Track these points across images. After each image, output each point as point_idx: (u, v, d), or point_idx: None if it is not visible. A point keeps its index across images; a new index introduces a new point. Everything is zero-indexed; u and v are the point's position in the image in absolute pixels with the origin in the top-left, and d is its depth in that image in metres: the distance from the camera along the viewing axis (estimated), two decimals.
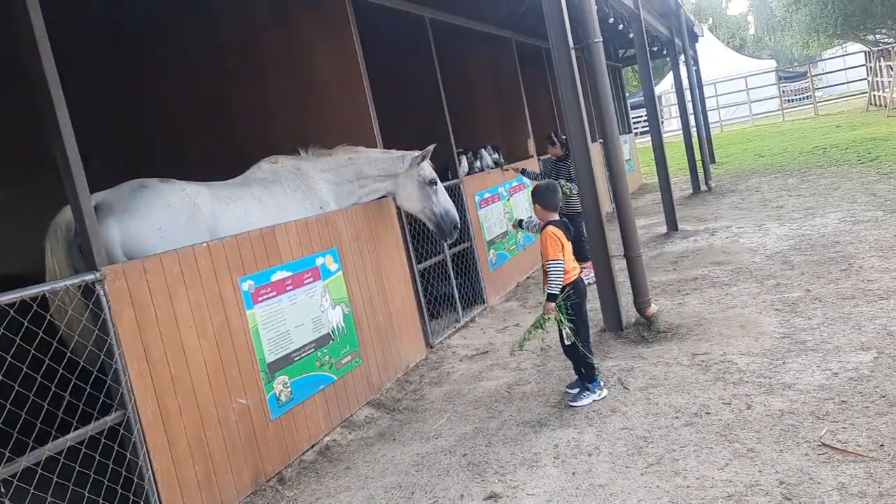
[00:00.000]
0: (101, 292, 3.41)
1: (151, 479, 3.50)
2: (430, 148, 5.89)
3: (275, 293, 4.59)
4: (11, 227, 7.83)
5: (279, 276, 4.65)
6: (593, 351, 4.87)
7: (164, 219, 4.24)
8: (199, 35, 7.05)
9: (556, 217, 4.80)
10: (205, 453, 3.88)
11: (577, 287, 4.69)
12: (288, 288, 4.71)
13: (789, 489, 3.20)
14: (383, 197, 6.00)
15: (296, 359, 4.67)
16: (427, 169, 5.86)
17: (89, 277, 3.38)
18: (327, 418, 4.88)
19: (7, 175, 8.08)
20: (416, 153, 5.83)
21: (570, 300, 4.61)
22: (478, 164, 8.92)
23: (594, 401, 4.61)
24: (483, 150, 9.33)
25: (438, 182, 5.91)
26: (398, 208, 6.22)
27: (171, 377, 3.74)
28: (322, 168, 5.58)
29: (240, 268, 4.34)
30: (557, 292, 4.57)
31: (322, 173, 5.56)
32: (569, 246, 4.69)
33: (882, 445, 3.40)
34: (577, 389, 4.72)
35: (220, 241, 4.28)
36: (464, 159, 8.42)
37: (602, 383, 4.73)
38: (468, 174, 8.30)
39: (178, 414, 3.75)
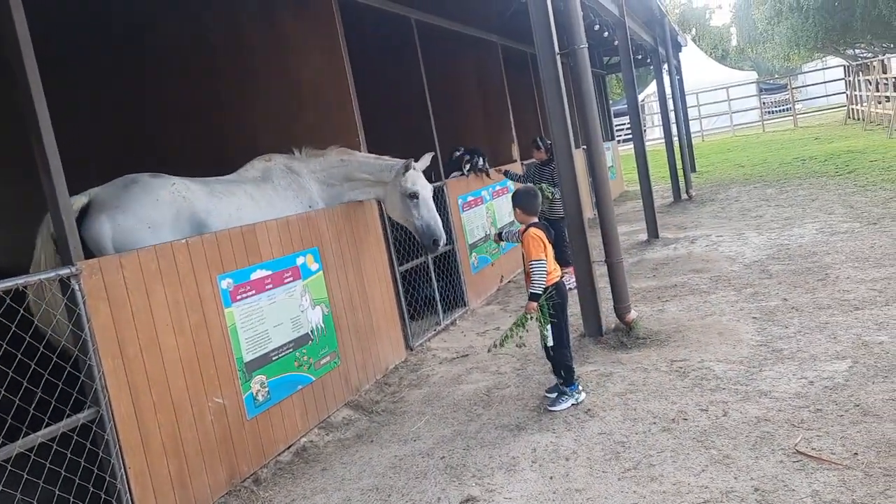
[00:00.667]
0: (77, 287, 3.35)
1: (124, 477, 3.45)
2: (418, 160, 5.71)
3: (254, 292, 4.55)
4: (12, 223, 7.72)
5: (259, 274, 4.61)
6: (573, 355, 4.88)
7: (154, 214, 4.27)
8: (189, 34, 6.99)
9: (536, 220, 4.82)
10: (179, 452, 3.83)
11: (559, 288, 4.70)
12: (267, 287, 4.67)
13: (764, 496, 3.22)
14: None
15: (274, 358, 4.63)
16: (409, 181, 5.58)
17: (65, 272, 3.33)
18: (304, 419, 4.84)
19: (8, 174, 7.95)
20: (401, 164, 5.62)
21: (553, 301, 4.62)
22: (481, 162, 8.75)
23: (573, 405, 4.61)
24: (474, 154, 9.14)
25: (420, 195, 5.63)
26: (381, 211, 6.21)
27: (146, 374, 3.69)
28: (313, 168, 5.59)
29: (219, 265, 4.30)
30: (540, 292, 4.56)
31: (313, 173, 5.58)
32: (550, 248, 4.70)
33: (856, 454, 3.44)
34: (556, 394, 4.72)
35: (199, 238, 4.23)
36: (467, 166, 8.35)
37: (580, 387, 4.74)
38: (467, 175, 8.29)
39: (153, 412, 3.70)
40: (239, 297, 4.42)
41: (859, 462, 3.36)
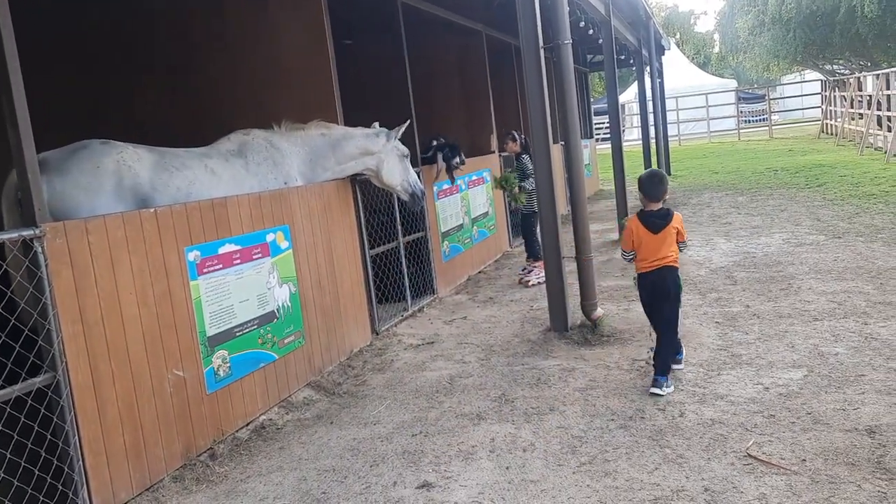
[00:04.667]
0: (40, 249, 3.29)
1: (77, 445, 3.41)
2: (406, 123, 6.26)
3: (221, 266, 4.51)
4: None
5: (227, 248, 4.57)
6: (538, 349, 4.89)
7: (92, 180, 4.20)
8: (169, 4, 6.85)
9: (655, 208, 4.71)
10: (135, 423, 3.79)
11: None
12: (235, 261, 4.63)
13: (713, 496, 3.29)
14: (359, 175, 6.15)
15: (237, 334, 4.60)
16: (400, 143, 6.19)
17: (27, 233, 3.26)
18: (265, 397, 4.82)
19: None
20: (378, 128, 6.07)
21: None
22: (456, 159, 8.14)
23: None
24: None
25: (408, 154, 6.32)
26: (354, 192, 6.19)
27: (106, 342, 3.64)
28: (295, 143, 5.56)
29: (187, 237, 4.25)
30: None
31: (295, 148, 5.55)
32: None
33: (804, 460, 3.52)
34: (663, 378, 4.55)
35: (168, 209, 4.18)
36: (440, 156, 8.00)
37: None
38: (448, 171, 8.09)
39: (111, 381, 3.66)
40: (205, 271, 4.37)
41: (807, 468, 3.45)
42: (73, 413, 3.40)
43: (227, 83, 6.72)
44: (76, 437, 3.41)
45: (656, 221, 4.68)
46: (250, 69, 6.58)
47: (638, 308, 6.58)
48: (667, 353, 4.64)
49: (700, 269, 7.93)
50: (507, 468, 3.77)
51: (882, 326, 5.36)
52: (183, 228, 4.23)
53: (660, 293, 4.73)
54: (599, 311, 6.06)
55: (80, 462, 3.42)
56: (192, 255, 4.28)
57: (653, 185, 4.71)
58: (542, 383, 4.94)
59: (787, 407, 4.16)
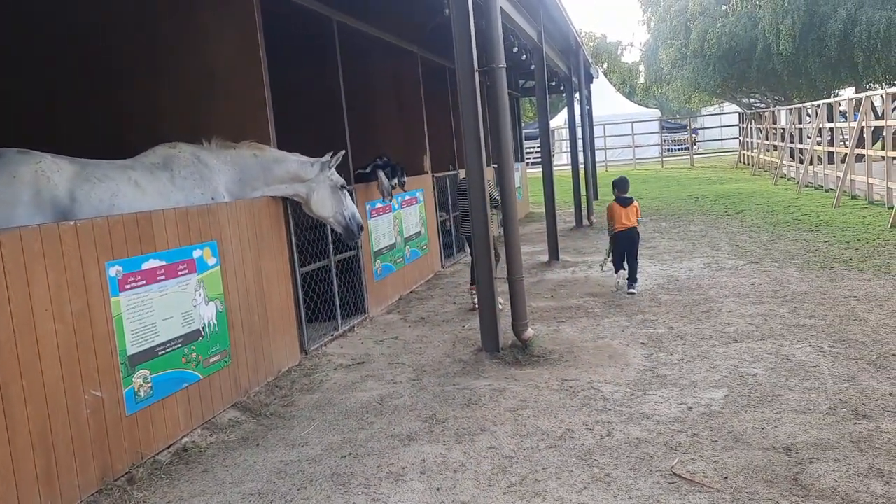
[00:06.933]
0: None
1: None
2: (341, 153, 6.09)
3: (144, 282, 4.35)
4: None
5: (151, 264, 4.41)
6: (470, 369, 4.90)
7: (6, 191, 4.07)
8: (92, 11, 6.60)
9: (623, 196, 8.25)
10: (48, 447, 3.59)
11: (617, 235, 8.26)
12: (160, 278, 4.47)
13: None
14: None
15: (160, 353, 4.43)
16: (335, 174, 6.00)
17: None
18: (188, 418, 4.65)
19: None
20: (326, 158, 5.93)
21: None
22: (394, 180, 8.09)
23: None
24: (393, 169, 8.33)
25: (346, 186, 6.11)
26: (286, 209, 6.09)
27: (18, 361, 3.45)
28: (224, 160, 5.43)
29: (108, 252, 4.08)
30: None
31: (224, 165, 5.42)
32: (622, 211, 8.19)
33: (726, 478, 3.63)
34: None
35: (89, 221, 4.01)
36: (381, 174, 7.91)
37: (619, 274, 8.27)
38: (390, 191, 7.99)
39: (22, 402, 3.46)
40: (128, 287, 4.21)
41: (729, 486, 3.55)
42: None
43: (155, 95, 6.52)
44: None
45: (626, 201, 8.19)
46: (180, 82, 6.40)
47: (567, 329, 6.72)
48: (636, 271, 8.13)
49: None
50: (438, 489, 3.74)
51: (797, 348, 5.60)
52: (104, 242, 4.06)
53: (631, 242, 8.18)
54: (530, 332, 6.13)
55: None
56: (114, 271, 4.12)
57: (625, 183, 8.35)
58: (474, 403, 4.94)
59: (710, 426, 4.28)
